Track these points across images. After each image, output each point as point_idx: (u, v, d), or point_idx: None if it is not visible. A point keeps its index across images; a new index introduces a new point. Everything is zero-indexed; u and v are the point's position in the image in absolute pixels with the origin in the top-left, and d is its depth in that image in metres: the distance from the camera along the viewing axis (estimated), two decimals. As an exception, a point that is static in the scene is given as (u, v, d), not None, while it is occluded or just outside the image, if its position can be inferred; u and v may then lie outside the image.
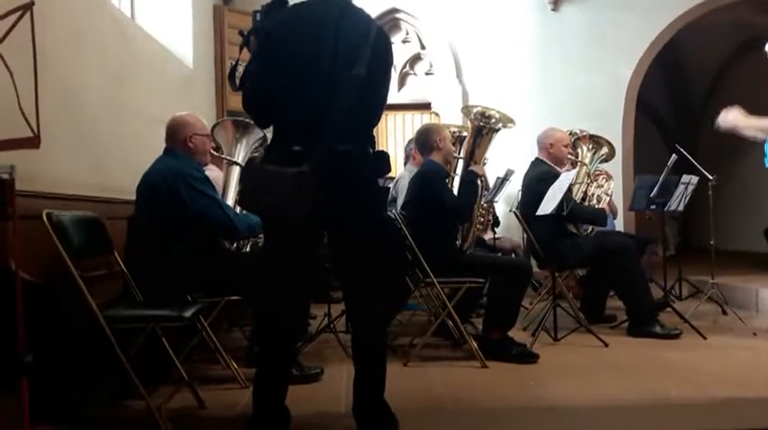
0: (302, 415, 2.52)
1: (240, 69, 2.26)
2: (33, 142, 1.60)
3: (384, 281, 2.30)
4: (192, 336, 2.89)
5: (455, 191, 3.63)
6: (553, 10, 6.65)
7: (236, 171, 3.13)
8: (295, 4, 2.24)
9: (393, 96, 6.84)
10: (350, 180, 2.11)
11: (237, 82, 2.24)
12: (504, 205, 5.63)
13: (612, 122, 6.48)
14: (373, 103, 2.22)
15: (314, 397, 2.75)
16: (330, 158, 2.02)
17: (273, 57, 2.15)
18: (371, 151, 2.22)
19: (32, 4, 1.60)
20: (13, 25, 1.60)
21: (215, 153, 3.12)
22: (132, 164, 3.16)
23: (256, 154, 3.33)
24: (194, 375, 2.79)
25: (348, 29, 2.14)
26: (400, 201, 4.03)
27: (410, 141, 4.82)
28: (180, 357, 2.67)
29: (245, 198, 2.29)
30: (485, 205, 3.88)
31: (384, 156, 2.25)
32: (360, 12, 2.24)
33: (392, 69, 2.38)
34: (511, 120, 3.61)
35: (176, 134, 2.90)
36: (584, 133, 4.38)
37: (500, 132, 3.66)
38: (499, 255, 4.68)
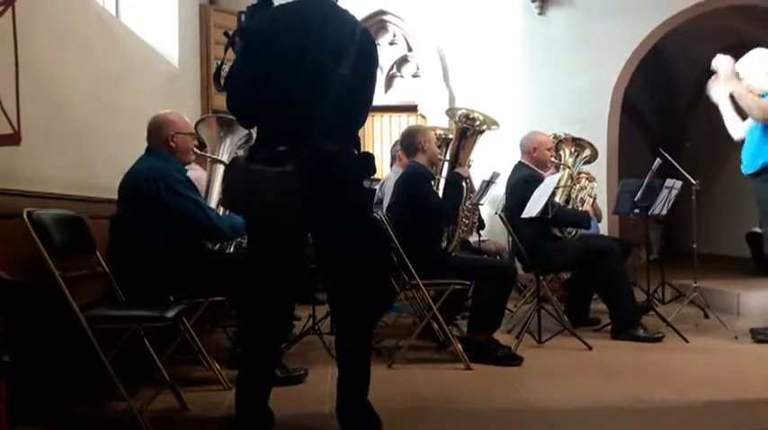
0: (286, 416, 2.50)
1: (225, 69, 2.25)
2: (13, 139, 1.58)
3: (369, 283, 2.29)
4: (175, 337, 2.87)
5: (440, 193, 3.63)
6: (540, 14, 6.69)
7: (220, 170, 3.10)
8: (280, 5, 2.23)
9: (379, 98, 6.85)
10: (335, 181, 2.09)
11: (223, 82, 2.22)
12: (489, 208, 5.65)
13: (597, 126, 6.53)
14: (359, 104, 2.21)
15: (298, 398, 2.74)
16: (315, 159, 2.01)
17: (258, 57, 2.15)
18: (357, 152, 2.21)
19: (14, -1, 1.58)
20: (-6, 20, 1.58)
21: (198, 151, 3.09)
22: (116, 162, 3.13)
23: (240, 151, 3.31)
24: (177, 376, 2.77)
25: (333, 29, 2.14)
26: (386, 203, 4.03)
27: (396, 143, 4.82)
28: (162, 358, 2.64)
29: (229, 198, 2.27)
30: (470, 207, 3.89)
31: (369, 158, 2.23)
32: (345, 12, 2.23)
33: (378, 70, 2.37)
34: (495, 122, 3.62)
35: (158, 133, 2.87)
36: (567, 136, 4.41)
37: (486, 135, 3.68)
38: (484, 257, 4.69)
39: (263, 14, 2.18)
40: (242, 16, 2.22)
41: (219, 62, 2.29)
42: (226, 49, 2.26)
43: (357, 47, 2.10)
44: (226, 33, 2.26)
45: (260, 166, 2.06)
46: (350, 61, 2.06)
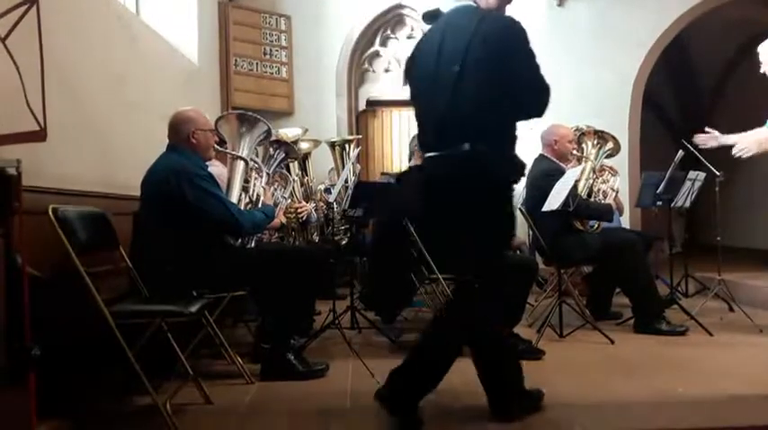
0: (308, 410, 2.52)
1: None
2: (40, 135, 1.61)
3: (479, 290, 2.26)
4: (198, 332, 2.90)
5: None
6: (559, 5, 6.62)
7: (240, 165, 3.12)
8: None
9: (397, 92, 6.84)
10: (441, 184, 2.18)
11: None
12: (509, 202, 5.61)
13: (619, 118, 6.46)
14: (479, 100, 2.11)
15: (319, 392, 2.76)
16: (423, 165, 2.23)
17: (410, 79, 2.40)
18: (493, 151, 2.16)
19: (38, -3, 1.60)
20: (19, 19, 1.60)
21: (219, 148, 3.11)
22: (137, 159, 3.16)
23: (260, 148, 3.33)
24: (200, 370, 2.80)
25: (451, 29, 2.20)
26: (405, 198, 4.02)
27: (414, 138, 4.80)
28: (185, 352, 2.67)
29: None
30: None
31: (503, 159, 2.19)
32: (466, 9, 2.22)
33: (510, 60, 2.14)
34: (515, 115, 3.58)
35: (179, 130, 2.90)
36: (590, 128, 4.36)
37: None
38: (504, 251, 4.65)
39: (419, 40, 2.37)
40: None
41: None
42: None
43: (470, 41, 2.08)
44: None
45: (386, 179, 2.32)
46: (459, 56, 2.06)
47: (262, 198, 3.19)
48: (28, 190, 2.22)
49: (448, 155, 2.14)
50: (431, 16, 2.32)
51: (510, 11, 2.40)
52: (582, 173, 3.96)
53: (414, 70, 2.34)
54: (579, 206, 3.74)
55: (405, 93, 7.36)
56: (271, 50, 6.52)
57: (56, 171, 2.78)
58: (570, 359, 3.31)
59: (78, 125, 3.11)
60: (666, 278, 4.68)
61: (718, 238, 4.84)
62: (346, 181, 4.31)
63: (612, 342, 3.60)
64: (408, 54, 2.39)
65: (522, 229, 5.41)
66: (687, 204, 4.65)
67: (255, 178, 3.24)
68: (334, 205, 4.25)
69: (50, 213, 2.28)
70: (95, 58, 3.37)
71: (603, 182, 4.30)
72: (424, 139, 2.33)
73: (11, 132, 1.67)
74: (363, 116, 6.91)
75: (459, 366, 3.18)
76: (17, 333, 1.81)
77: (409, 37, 6.93)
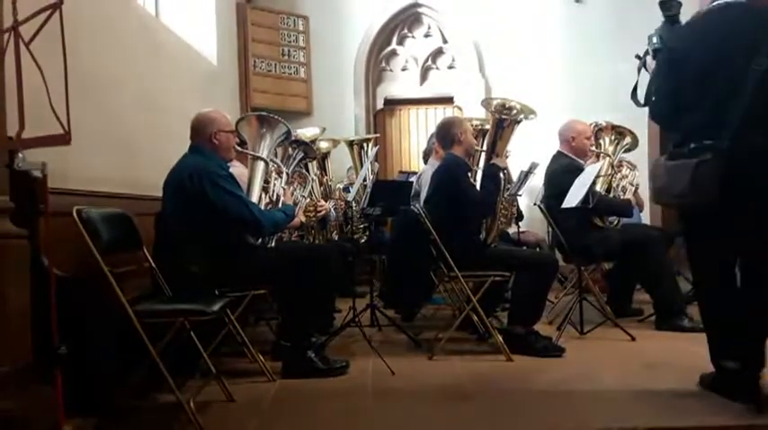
0: (329, 407, 2.54)
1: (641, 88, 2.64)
2: (64, 139, 1.64)
3: None
4: (220, 330, 2.93)
5: (477, 184, 3.61)
6: (577, 1, 6.57)
7: (260, 166, 3.15)
8: (687, 22, 2.60)
9: (415, 91, 6.86)
10: (756, 167, 2.25)
11: (642, 100, 2.66)
12: (527, 199, 5.59)
13: (638, 114, 6.35)
14: None
15: (340, 389, 2.77)
16: (735, 148, 2.23)
17: (673, 70, 2.47)
18: None
19: (61, 2, 1.63)
20: (43, 24, 1.63)
21: (239, 149, 3.14)
22: (159, 160, 3.20)
23: (279, 149, 3.35)
24: (222, 368, 2.83)
25: (745, 27, 2.33)
26: (423, 196, 4.02)
27: (432, 135, 4.81)
28: (208, 351, 2.71)
29: (653, 194, 2.63)
30: (508, 198, 3.85)
31: None
32: (758, 3, 2.37)
33: None
34: (532, 111, 3.57)
35: (201, 131, 2.93)
36: (607, 124, 4.33)
37: (524, 124, 3.63)
38: (524, 248, 4.64)
39: (673, 33, 2.57)
40: (653, 38, 2.65)
41: (636, 82, 2.73)
42: (639, 70, 2.71)
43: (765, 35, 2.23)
44: (637, 56, 2.73)
45: (676, 162, 2.37)
46: (763, 54, 2.22)
47: (282, 198, 3.21)
48: (53, 192, 2.28)
49: (755, 143, 2.25)
50: (670, 6, 2.59)
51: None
52: (601, 169, 3.93)
53: (686, 60, 2.45)
54: (599, 203, 3.72)
55: (422, 91, 7.38)
56: (289, 51, 6.56)
57: (80, 173, 2.84)
58: (591, 356, 3.29)
59: (101, 127, 3.16)
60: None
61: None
62: (365, 179, 4.33)
63: (633, 339, 3.57)
64: (666, 43, 2.56)
65: (541, 227, 5.39)
66: (709, 199, 4.58)
67: (275, 178, 3.26)
68: (353, 204, 4.27)
69: (75, 215, 2.32)
70: (117, 60, 3.42)
71: (623, 177, 4.26)
72: (707, 129, 2.36)
73: (36, 136, 1.71)
74: (381, 115, 6.94)
75: (467, 365, 3.19)
76: (44, 332, 1.85)
77: (426, 35, 6.93)
